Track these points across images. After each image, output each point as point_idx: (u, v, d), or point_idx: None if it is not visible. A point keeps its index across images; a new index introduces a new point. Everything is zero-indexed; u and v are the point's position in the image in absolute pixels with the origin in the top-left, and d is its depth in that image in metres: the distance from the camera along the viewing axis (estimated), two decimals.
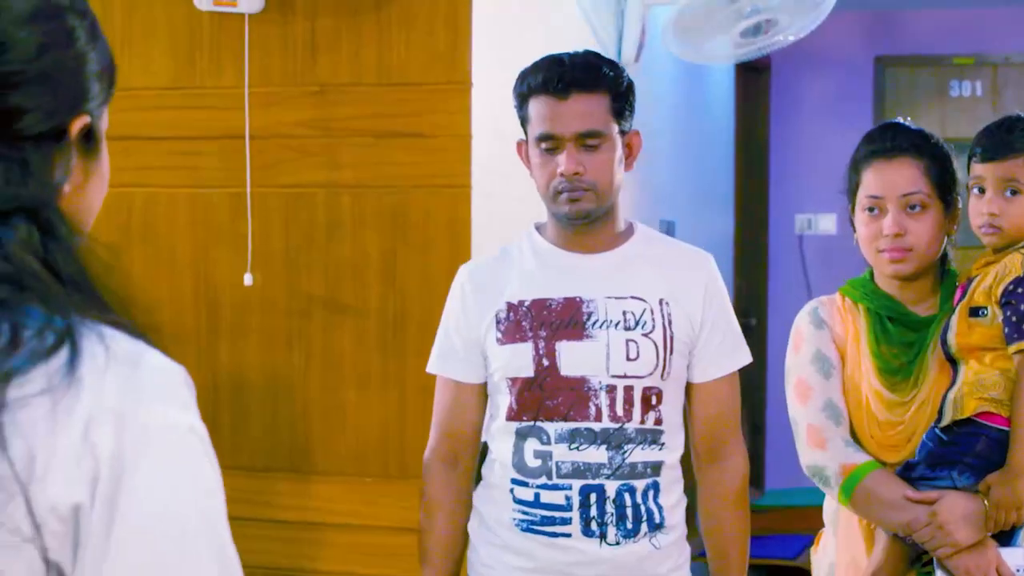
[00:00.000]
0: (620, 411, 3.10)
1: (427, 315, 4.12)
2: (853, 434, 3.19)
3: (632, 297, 3.15)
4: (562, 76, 3.11)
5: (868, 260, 3.24)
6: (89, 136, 1.46)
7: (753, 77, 8.80)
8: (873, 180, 3.18)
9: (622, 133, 3.16)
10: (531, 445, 3.13)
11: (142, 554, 1.29)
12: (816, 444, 3.18)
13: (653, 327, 3.13)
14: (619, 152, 3.14)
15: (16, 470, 1.26)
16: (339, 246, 4.22)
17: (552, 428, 3.11)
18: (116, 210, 4.37)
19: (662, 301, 3.16)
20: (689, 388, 3.24)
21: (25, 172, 1.37)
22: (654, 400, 3.13)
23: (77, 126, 1.43)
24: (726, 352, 3.23)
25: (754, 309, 8.73)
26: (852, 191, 3.25)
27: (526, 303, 3.17)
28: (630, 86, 3.18)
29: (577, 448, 3.10)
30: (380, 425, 4.19)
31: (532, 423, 3.13)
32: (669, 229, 6.38)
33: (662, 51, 5.51)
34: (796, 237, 8.88)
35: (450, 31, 4.10)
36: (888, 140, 3.19)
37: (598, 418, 3.10)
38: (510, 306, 3.18)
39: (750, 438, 7.56)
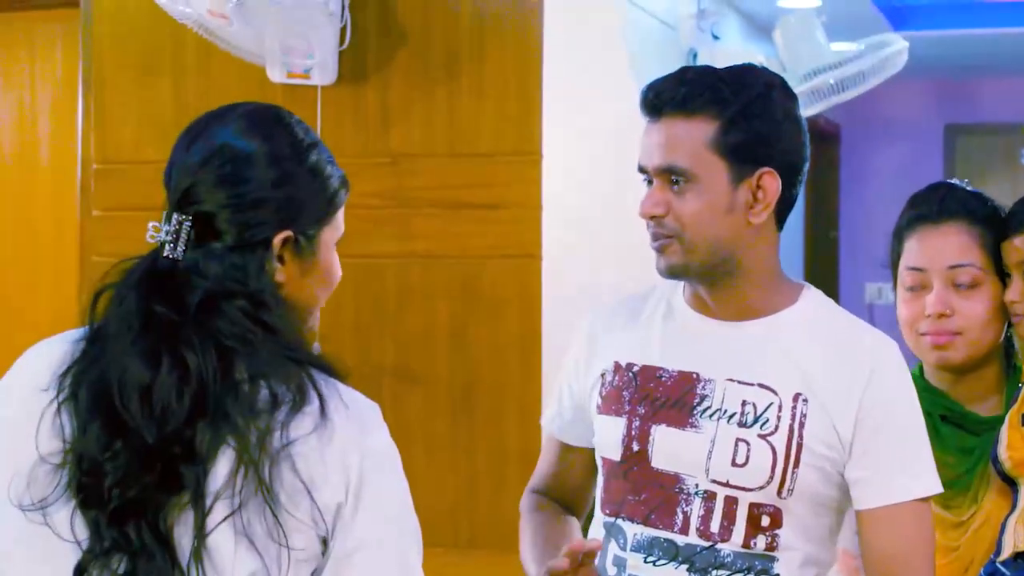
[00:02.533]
0: (715, 527, 2.37)
1: (497, 385, 4.13)
2: None
3: (759, 385, 2.39)
4: (657, 92, 2.40)
5: (909, 346, 2.68)
6: (298, 244, 2.00)
7: (823, 145, 8.80)
8: (916, 249, 2.66)
9: (740, 175, 2.37)
10: (612, 548, 2.47)
11: (374, 525, 1.92)
12: (850, 572, 2.61)
13: (776, 428, 2.36)
14: (723, 197, 2.37)
15: (304, 484, 1.87)
16: (409, 316, 4.24)
17: (631, 531, 2.43)
18: None
19: (798, 397, 2.37)
20: (857, 516, 2.41)
21: (241, 270, 1.94)
22: (766, 521, 2.37)
23: (278, 239, 1.97)
24: (895, 473, 2.38)
25: None
26: (894, 263, 2.73)
27: (635, 368, 2.48)
28: (760, 111, 2.39)
29: (653, 563, 2.41)
30: (450, 495, 4.18)
31: (614, 519, 2.47)
32: None
33: None
34: (866, 307, 8.84)
35: (521, 102, 4.12)
36: (935, 203, 2.67)
37: (684, 530, 2.39)
38: (617, 367, 2.51)
39: None
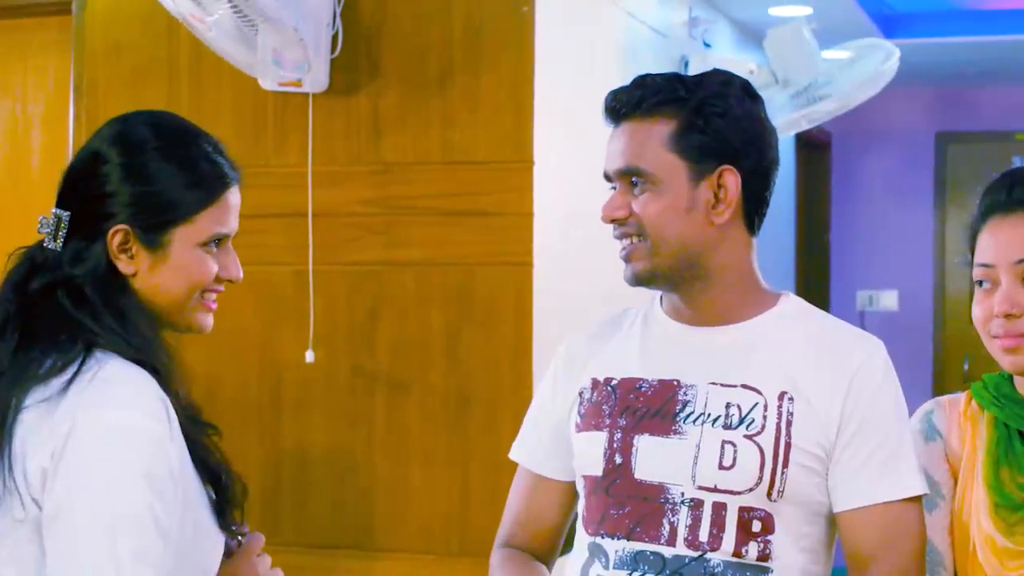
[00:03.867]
0: (704, 535, 2.30)
1: (491, 392, 4.13)
2: None
3: (743, 386, 2.35)
4: (616, 97, 2.43)
5: (988, 349, 2.41)
6: (142, 239, 2.13)
7: (814, 153, 8.81)
8: (985, 243, 2.38)
9: (700, 174, 2.35)
10: (594, 569, 2.39)
11: (69, 493, 1.97)
12: None
13: (763, 428, 2.31)
14: (683, 197, 2.35)
15: (21, 448, 2.01)
16: (403, 323, 4.24)
17: (613, 548, 2.36)
18: None
19: (783, 396, 2.33)
20: (837, 519, 2.38)
21: (78, 261, 2.14)
22: (757, 526, 2.31)
23: (111, 233, 2.12)
24: (878, 473, 2.32)
25: None
26: (971, 261, 2.44)
27: (614, 381, 2.44)
28: (716, 108, 2.36)
29: None
30: (444, 502, 4.18)
31: (594, 538, 2.40)
32: None
33: None
34: (857, 314, 8.85)
35: (513, 110, 4.12)
36: (1004, 191, 2.38)
37: (671, 541, 2.31)
38: (595, 383, 2.47)
39: None
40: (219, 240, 2.23)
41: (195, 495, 2.11)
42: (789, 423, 2.31)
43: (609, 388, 2.44)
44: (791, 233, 8.35)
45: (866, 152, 9.04)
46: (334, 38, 4.20)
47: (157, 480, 2.01)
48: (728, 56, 5.95)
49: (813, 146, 8.66)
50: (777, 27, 5.64)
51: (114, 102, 4.49)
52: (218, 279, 2.25)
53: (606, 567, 2.36)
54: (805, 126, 5.67)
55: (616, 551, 2.35)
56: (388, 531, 4.26)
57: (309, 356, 4.26)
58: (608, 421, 2.40)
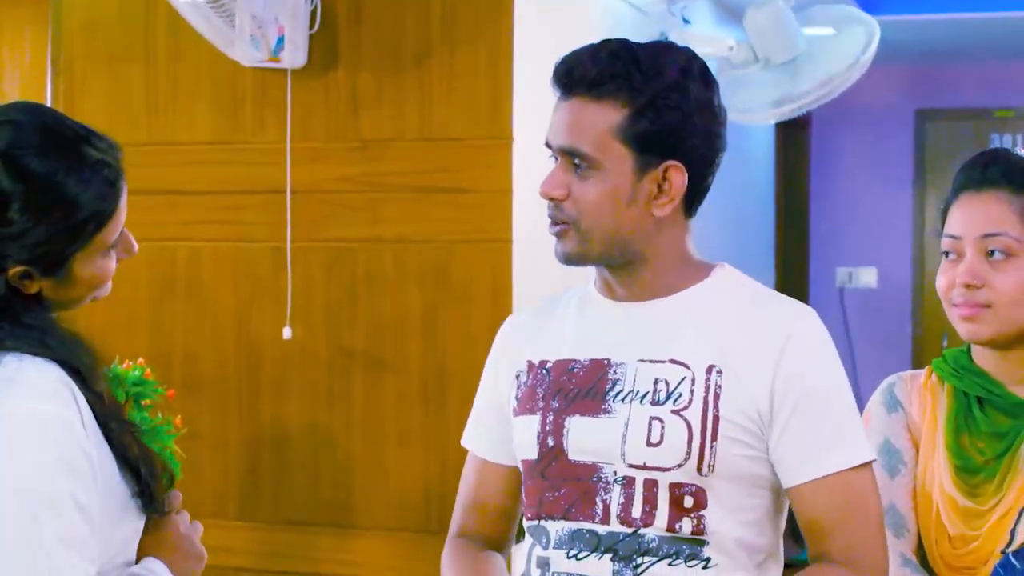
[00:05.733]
0: (636, 512, 2.28)
1: (468, 370, 4.12)
2: (922, 548, 2.50)
3: (671, 361, 2.30)
4: (569, 69, 2.31)
5: (949, 318, 2.51)
6: (49, 271, 2.11)
7: (793, 132, 8.81)
8: (955, 217, 2.49)
9: (646, 166, 2.29)
10: (535, 550, 2.39)
11: None
12: None
13: (690, 402, 2.27)
14: (626, 187, 2.29)
15: None
16: (380, 301, 4.24)
17: (553, 528, 2.35)
18: (160, 264, 4.40)
19: (711, 369, 2.29)
20: (788, 495, 2.34)
21: None
22: (689, 502, 2.28)
23: (11, 272, 2.08)
24: (827, 443, 2.28)
25: None
26: (942, 233, 2.56)
27: (548, 364, 2.41)
28: (671, 101, 2.29)
29: (575, 557, 2.32)
30: (421, 479, 4.19)
31: (537, 521, 2.38)
32: None
33: None
34: (837, 291, 8.86)
35: (491, 87, 4.12)
36: (978, 169, 2.49)
37: (604, 519, 2.30)
38: (530, 367, 2.44)
39: None
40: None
41: (110, 474, 2.11)
42: (717, 396, 2.27)
43: (544, 371, 2.40)
44: (771, 211, 8.35)
45: (845, 130, 9.04)
46: (312, 13, 4.19)
47: (74, 463, 2.02)
48: (708, 32, 5.93)
49: (792, 124, 8.65)
50: (757, 3, 5.63)
51: (92, 79, 4.48)
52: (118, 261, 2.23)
53: (546, 548, 2.35)
54: (790, 115, 5.66)
55: (556, 531, 2.34)
56: (365, 508, 4.26)
57: (287, 333, 4.25)
58: (542, 404, 2.37)
